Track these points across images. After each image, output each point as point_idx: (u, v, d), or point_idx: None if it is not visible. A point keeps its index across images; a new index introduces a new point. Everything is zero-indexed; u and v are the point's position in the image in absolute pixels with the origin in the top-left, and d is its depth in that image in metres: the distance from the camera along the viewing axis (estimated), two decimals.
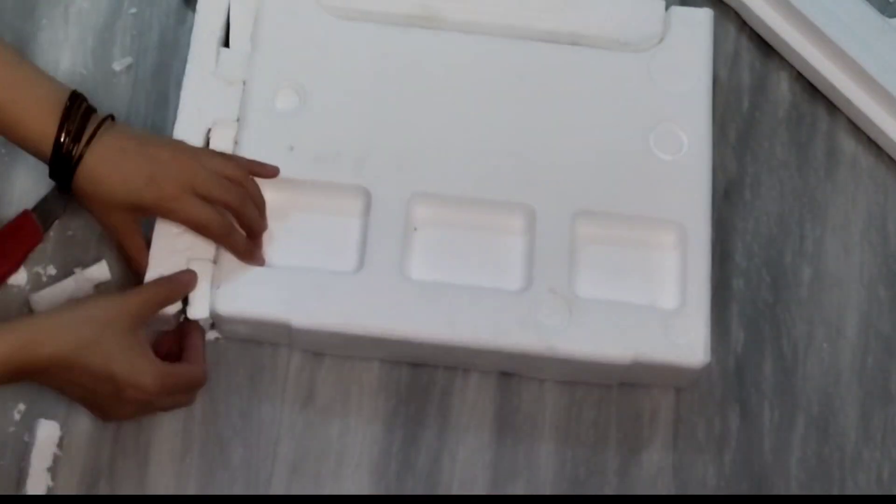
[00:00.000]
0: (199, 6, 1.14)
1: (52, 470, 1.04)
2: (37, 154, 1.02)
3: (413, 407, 1.08)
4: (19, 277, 1.09)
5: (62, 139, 1.00)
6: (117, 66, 1.18)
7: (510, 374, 1.09)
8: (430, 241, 1.09)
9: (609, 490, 1.07)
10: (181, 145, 1.07)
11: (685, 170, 1.11)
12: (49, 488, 1.04)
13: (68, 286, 1.09)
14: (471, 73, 1.14)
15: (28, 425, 1.05)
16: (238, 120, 1.11)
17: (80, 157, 1.00)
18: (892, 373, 1.12)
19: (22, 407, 1.06)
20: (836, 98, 1.19)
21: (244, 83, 1.12)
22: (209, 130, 1.10)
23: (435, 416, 1.08)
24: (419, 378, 1.08)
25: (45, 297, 1.08)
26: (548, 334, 1.04)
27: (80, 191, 1.02)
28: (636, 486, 1.07)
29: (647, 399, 1.09)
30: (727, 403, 1.10)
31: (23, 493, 1.03)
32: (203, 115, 1.11)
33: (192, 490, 1.05)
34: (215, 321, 1.06)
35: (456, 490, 1.06)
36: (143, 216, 1.05)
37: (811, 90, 1.20)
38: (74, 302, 1.05)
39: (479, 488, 1.06)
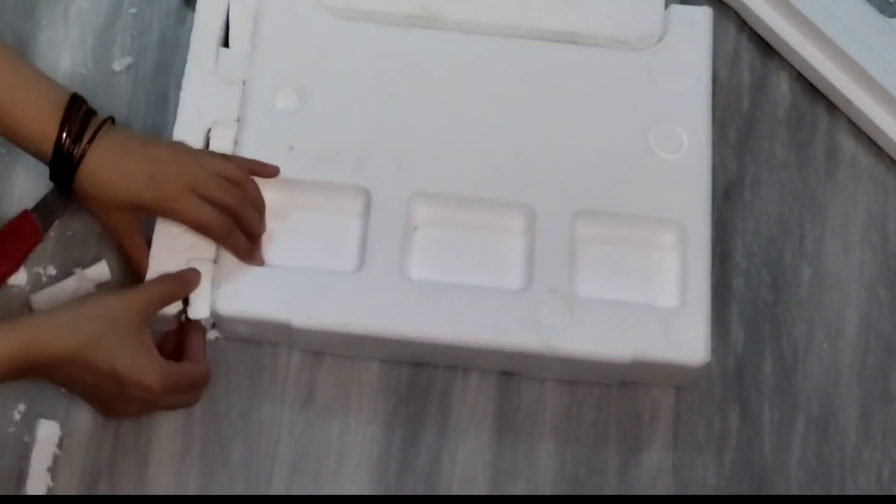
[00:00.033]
0: (198, 6, 1.14)
1: (52, 470, 1.04)
2: (37, 155, 1.02)
3: (413, 407, 1.08)
4: (19, 277, 1.09)
5: (63, 140, 1.00)
6: (117, 66, 1.18)
7: (510, 374, 1.09)
8: (430, 240, 1.09)
9: (609, 490, 1.07)
10: (181, 146, 1.07)
11: (685, 169, 1.11)
12: (49, 488, 1.04)
13: (68, 286, 1.09)
14: (470, 72, 1.14)
15: (28, 425, 1.05)
16: (238, 120, 1.11)
17: (81, 157, 1.01)
18: (892, 373, 1.12)
19: (22, 407, 1.06)
20: (836, 98, 1.19)
21: (244, 83, 1.12)
22: (209, 130, 1.10)
23: (435, 416, 1.08)
24: (419, 378, 1.08)
25: (45, 297, 1.08)
26: (548, 334, 1.04)
27: (81, 191, 1.02)
28: (636, 486, 1.07)
29: (647, 399, 1.09)
30: (727, 403, 1.10)
31: (23, 493, 1.03)
32: (203, 115, 1.11)
33: (192, 490, 1.05)
34: (216, 321, 1.07)
35: (456, 490, 1.06)
36: (144, 216, 1.05)
37: (811, 90, 1.20)
38: (79, 299, 1.05)
39: (479, 488, 1.06)
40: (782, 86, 1.21)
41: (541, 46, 1.14)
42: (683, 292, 1.07)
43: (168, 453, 1.05)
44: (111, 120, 1.04)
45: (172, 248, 1.06)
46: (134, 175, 1.02)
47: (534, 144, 1.11)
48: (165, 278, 1.04)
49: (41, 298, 1.08)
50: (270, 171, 1.08)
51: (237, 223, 1.05)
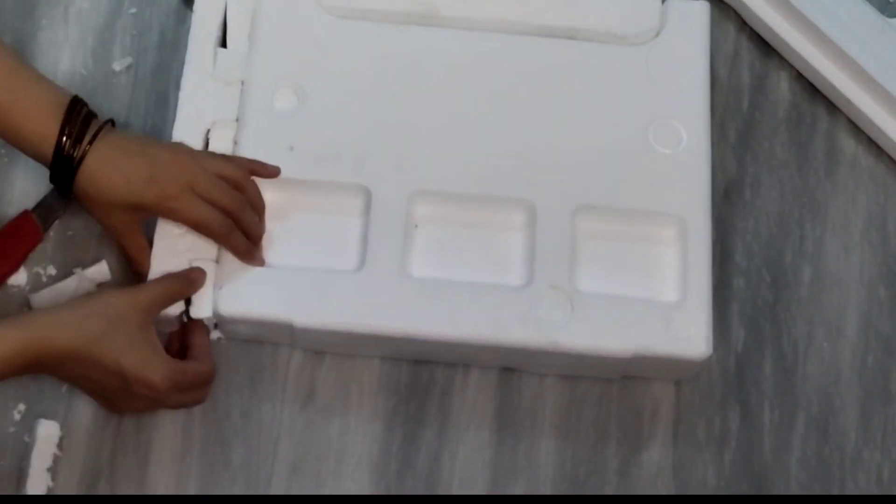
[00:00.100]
0: (195, 6, 1.14)
1: (52, 470, 1.04)
2: (37, 157, 1.02)
3: (413, 406, 1.08)
4: (19, 277, 1.09)
5: (63, 142, 1.00)
6: (117, 66, 1.18)
7: (510, 372, 1.09)
8: (430, 238, 1.09)
9: (609, 490, 1.07)
10: (181, 147, 1.07)
11: (684, 163, 1.11)
12: (49, 488, 1.04)
13: (68, 286, 1.09)
14: (469, 70, 1.14)
15: (28, 425, 1.05)
16: (237, 120, 1.11)
17: (82, 158, 1.01)
18: (892, 373, 1.12)
19: (22, 407, 1.06)
20: (836, 98, 1.19)
21: (242, 83, 1.12)
22: (208, 131, 1.10)
23: (435, 414, 1.08)
24: (419, 377, 1.08)
25: (45, 297, 1.08)
26: (550, 330, 1.04)
27: (82, 192, 1.02)
28: (636, 485, 1.07)
29: (647, 398, 1.09)
30: (727, 403, 1.10)
31: (23, 493, 1.02)
32: (202, 115, 1.11)
33: (192, 490, 1.05)
34: (218, 322, 1.07)
35: (456, 489, 1.06)
36: (145, 217, 1.05)
37: (811, 90, 1.20)
38: (84, 297, 1.05)
39: (479, 488, 1.06)
40: (782, 86, 1.21)
41: (539, 43, 1.15)
42: (684, 286, 1.07)
43: (168, 453, 1.05)
44: (111, 123, 1.04)
45: (174, 248, 1.06)
46: (134, 176, 1.02)
47: (533, 141, 1.11)
48: (171, 277, 1.04)
49: (41, 298, 1.08)
50: (271, 172, 1.08)
51: (237, 224, 1.05)
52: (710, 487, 1.07)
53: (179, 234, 1.06)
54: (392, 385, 1.08)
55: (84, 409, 1.05)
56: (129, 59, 1.18)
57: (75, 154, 1.01)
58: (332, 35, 1.14)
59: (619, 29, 1.15)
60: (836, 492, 1.08)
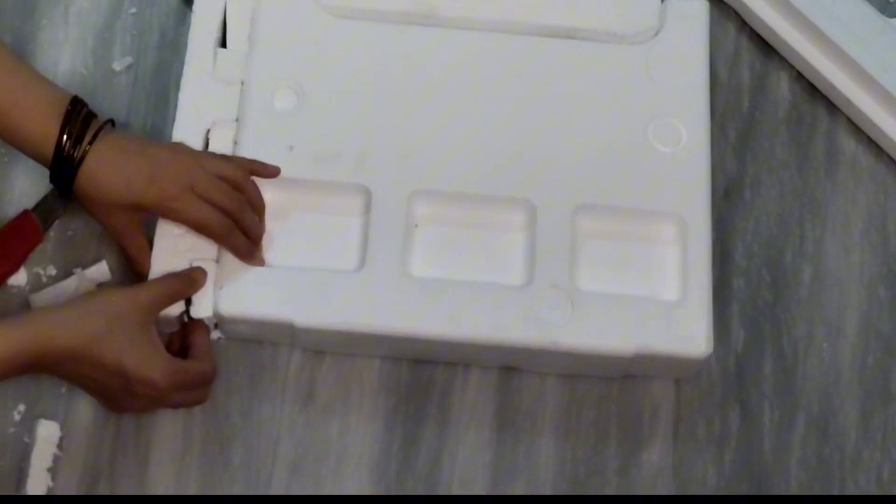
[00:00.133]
0: (195, 7, 1.14)
1: (52, 470, 1.04)
2: (37, 157, 1.02)
3: (413, 406, 1.08)
4: (19, 278, 1.09)
5: (63, 142, 1.00)
6: (117, 65, 1.18)
7: (510, 372, 1.09)
8: (430, 238, 1.09)
9: (609, 490, 1.07)
10: (181, 147, 1.07)
11: (684, 161, 1.11)
12: (49, 488, 1.04)
13: (68, 286, 1.08)
14: (468, 69, 1.14)
15: (28, 426, 1.05)
16: (237, 120, 1.11)
17: (82, 158, 1.01)
18: (892, 373, 1.12)
19: (22, 407, 1.06)
20: (836, 98, 1.19)
21: (242, 83, 1.12)
22: (208, 131, 1.10)
23: (435, 415, 1.08)
24: (419, 377, 1.08)
25: (45, 297, 1.08)
26: (550, 329, 1.04)
27: (82, 192, 1.02)
28: (636, 486, 1.07)
29: (647, 399, 1.09)
30: (727, 403, 1.10)
31: (23, 493, 1.02)
32: (202, 115, 1.11)
33: (192, 490, 1.05)
34: (218, 322, 1.07)
35: (456, 490, 1.06)
36: (145, 217, 1.05)
37: (811, 90, 1.20)
38: (85, 296, 1.04)
39: (479, 488, 1.06)
40: (782, 86, 1.21)
41: (538, 42, 1.15)
42: (684, 285, 1.07)
43: (168, 453, 1.05)
44: (111, 123, 1.04)
45: (174, 248, 1.06)
46: (134, 176, 1.02)
47: (533, 140, 1.11)
48: (172, 276, 1.04)
49: (41, 299, 1.08)
50: (271, 172, 1.08)
51: (237, 224, 1.05)
52: (710, 487, 1.07)
53: (179, 235, 1.06)
54: (392, 385, 1.08)
55: (84, 410, 1.05)
56: (129, 59, 1.18)
57: (75, 154, 1.01)
58: (332, 35, 1.14)
59: (619, 28, 1.15)
60: (836, 492, 1.08)
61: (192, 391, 1.02)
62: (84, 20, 1.19)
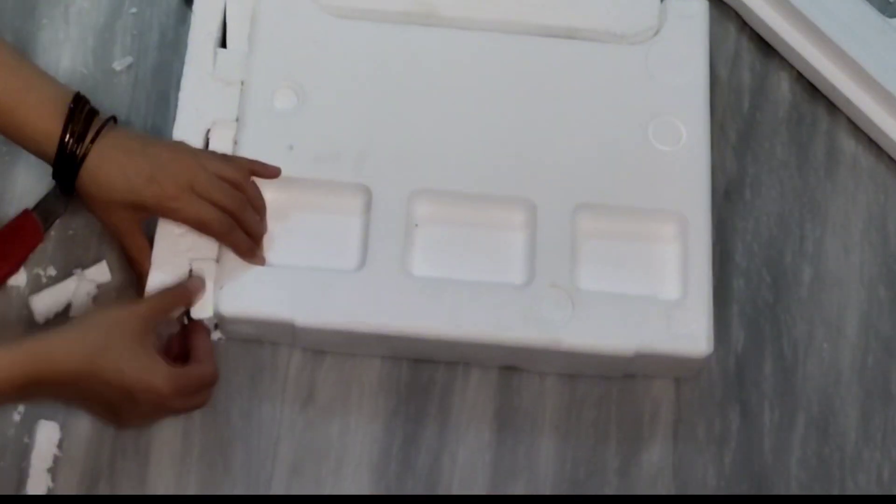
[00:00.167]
0: (195, 7, 1.14)
1: (53, 471, 1.04)
2: (39, 154, 1.03)
3: (413, 406, 1.08)
4: (19, 278, 1.09)
5: (66, 139, 1.00)
6: (118, 65, 1.18)
7: (510, 372, 1.09)
8: (431, 237, 1.09)
9: (609, 490, 1.07)
10: (182, 146, 1.07)
11: (684, 161, 1.11)
12: (49, 489, 1.04)
13: (68, 286, 1.08)
14: (468, 69, 1.14)
15: (28, 427, 1.05)
16: (237, 120, 1.11)
17: (84, 156, 1.01)
18: (892, 373, 1.12)
19: (22, 408, 1.06)
20: (836, 98, 1.19)
21: (242, 83, 1.12)
22: (208, 131, 1.10)
23: (435, 415, 1.08)
24: (419, 377, 1.08)
25: (44, 298, 1.08)
26: (551, 328, 1.05)
27: (83, 190, 1.02)
28: (636, 486, 1.07)
29: (647, 399, 1.09)
30: (727, 403, 1.10)
31: (23, 493, 1.03)
32: (202, 115, 1.11)
33: (192, 490, 1.05)
34: (219, 322, 1.07)
35: (456, 490, 1.06)
36: (145, 216, 1.05)
37: (811, 90, 1.20)
38: (83, 314, 1.05)
39: (479, 488, 1.06)
40: (782, 86, 1.21)
41: (539, 42, 1.15)
42: (685, 284, 1.07)
43: (168, 454, 1.05)
44: (113, 120, 1.04)
45: (175, 248, 1.06)
46: (135, 175, 1.02)
47: (533, 140, 1.11)
48: (169, 289, 1.04)
49: (41, 300, 1.08)
50: (271, 172, 1.08)
51: (238, 224, 1.05)
52: (710, 487, 1.07)
53: (180, 234, 1.06)
54: (392, 385, 1.08)
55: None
56: (129, 59, 1.18)
57: (78, 152, 1.01)
58: (332, 35, 1.14)
59: (619, 28, 1.15)
60: (836, 492, 1.08)
61: (195, 395, 1.02)
62: (84, 20, 1.19)
